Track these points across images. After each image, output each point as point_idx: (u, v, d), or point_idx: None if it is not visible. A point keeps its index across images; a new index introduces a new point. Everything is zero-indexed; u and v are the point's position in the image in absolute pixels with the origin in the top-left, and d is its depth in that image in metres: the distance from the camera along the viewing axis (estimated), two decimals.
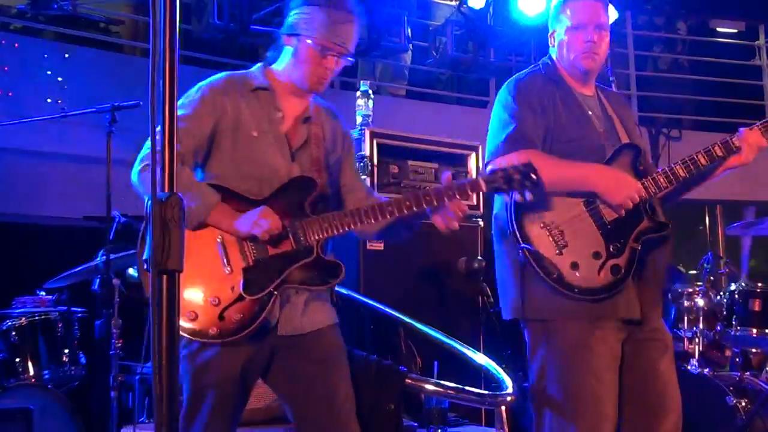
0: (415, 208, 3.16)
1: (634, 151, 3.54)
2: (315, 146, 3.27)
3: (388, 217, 3.17)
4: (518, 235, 3.44)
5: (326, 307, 3.28)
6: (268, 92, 3.28)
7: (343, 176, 3.42)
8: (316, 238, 3.12)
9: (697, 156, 3.51)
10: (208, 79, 3.27)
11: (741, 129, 3.58)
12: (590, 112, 3.62)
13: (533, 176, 3.09)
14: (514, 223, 3.45)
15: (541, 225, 3.44)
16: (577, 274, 3.39)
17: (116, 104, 5.03)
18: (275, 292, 3.08)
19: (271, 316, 3.10)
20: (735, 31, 12.98)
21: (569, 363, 3.42)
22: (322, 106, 3.41)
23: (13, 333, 4.85)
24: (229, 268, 3.07)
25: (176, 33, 1.81)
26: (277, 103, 3.28)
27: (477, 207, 5.55)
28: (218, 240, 3.08)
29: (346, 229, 3.14)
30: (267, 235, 3.06)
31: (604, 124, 3.61)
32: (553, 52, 3.68)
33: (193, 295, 3.03)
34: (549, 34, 3.70)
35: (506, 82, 3.64)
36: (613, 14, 3.86)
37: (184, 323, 2.99)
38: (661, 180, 3.48)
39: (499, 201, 3.59)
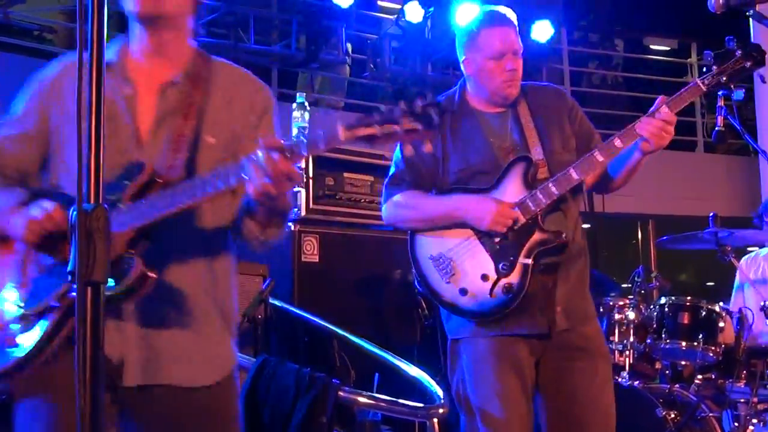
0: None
1: (525, 163, 3.54)
2: (181, 117, 2.55)
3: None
4: (415, 272, 3.63)
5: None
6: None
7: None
8: (127, 225, 2.37)
9: (568, 171, 3.48)
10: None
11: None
12: (491, 133, 3.63)
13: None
14: (410, 256, 3.64)
15: (429, 257, 3.57)
16: (468, 299, 3.50)
17: None
18: (59, 303, 2.42)
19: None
20: (668, 48, 13.24)
21: (474, 376, 3.55)
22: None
23: None
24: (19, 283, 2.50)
25: (104, 41, 1.80)
26: (127, 75, 2.58)
27: None
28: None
29: (171, 211, 2.38)
30: (30, 233, 2.40)
31: (509, 140, 3.62)
32: (469, 80, 3.69)
33: None
34: (462, 60, 3.69)
35: None
36: (547, 30, 3.93)
37: None
38: (540, 196, 3.50)
39: None
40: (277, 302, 4.61)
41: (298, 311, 4.78)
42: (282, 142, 2.28)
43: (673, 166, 10.85)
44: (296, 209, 5.14)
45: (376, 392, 4.52)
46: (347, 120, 2.25)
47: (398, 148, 3.55)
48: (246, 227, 2.51)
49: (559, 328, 3.53)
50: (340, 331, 4.69)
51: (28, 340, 2.38)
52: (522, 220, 3.47)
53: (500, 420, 3.48)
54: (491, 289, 3.46)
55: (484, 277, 3.49)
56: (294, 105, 5.50)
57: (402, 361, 4.46)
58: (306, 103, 5.47)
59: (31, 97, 2.62)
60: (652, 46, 13.25)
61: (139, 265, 2.32)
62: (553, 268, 3.53)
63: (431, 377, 4.26)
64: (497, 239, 3.50)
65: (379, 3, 9.94)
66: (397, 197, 3.65)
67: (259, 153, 2.27)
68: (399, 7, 9.27)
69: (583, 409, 3.54)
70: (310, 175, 5.25)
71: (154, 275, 2.34)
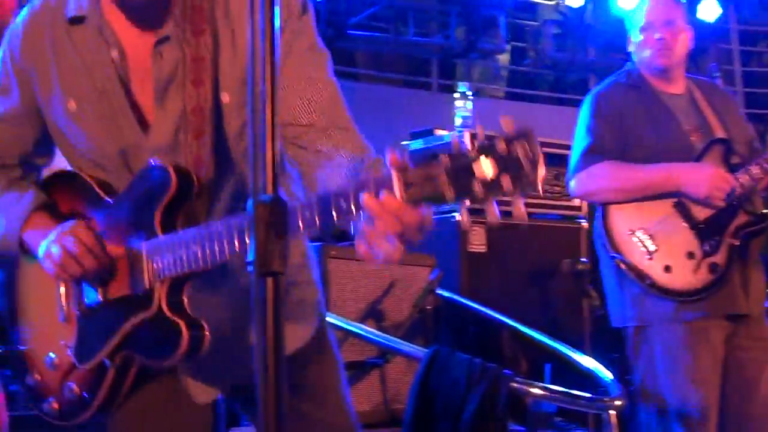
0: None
1: (725, 146, 3.49)
2: (191, 85, 1.96)
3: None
4: (608, 244, 3.51)
5: None
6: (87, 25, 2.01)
7: (285, 107, 1.93)
8: (159, 279, 1.94)
9: None
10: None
11: None
12: (676, 111, 3.61)
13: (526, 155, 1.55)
14: (603, 231, 3.53)
15: (629, 232, 3.47)
16: (671, 277, 3.41)
17: None
18: (108, 362, 2.03)
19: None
20: None
21: (669, 366, 3.42)
22: None
23: None
24: (63, 314, 2.12)
25: (275, 38, 1.80)
26: (109, 33, 1.99)
27: (580, 208, 5.48)
28: None
29: (198, 269, 1.89)
30: (63, 271, 2.00)
31: (694, 121, 3.59)
32: (634, 56, 3.78)
33: (31, 349, 2.19)
34: (628, 38, 3.80)
35: (586, 97, 3.77)
36: (715, 9, 3.97)
37: None
38: (755, 170, 3.42)
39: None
40: (445, 293, 4.59)
41: (466, 302, 4.75)
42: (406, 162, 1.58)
43: None
44: None
45: (550, 383, 4.44)
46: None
47: (588, 114, 3.59)
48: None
49: (754, 312, 3.44)
50: (509, 322, 4.64)
51: (93, 393, 2.08)
52: (739, 190, 3.40)
53: (699, 417, 3.34)
54: (695, 268, 3.37)
55: (690, 255, 3.41)
56: (456, 95, 5.47)
57: (575, 352, 4.37)
58: (468, 93, 5.43)
59: (4, 66, 2.12)
60: None
61: (185, 333, 1.93)
62: (747, 250, 3.42)
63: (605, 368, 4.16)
64: (702, 217, 3.43)
65: None
66: (594, 167, 3.56)
67: (365, 199, 1.61)
68: None
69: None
70: None
71: (207, 333, 1.94)
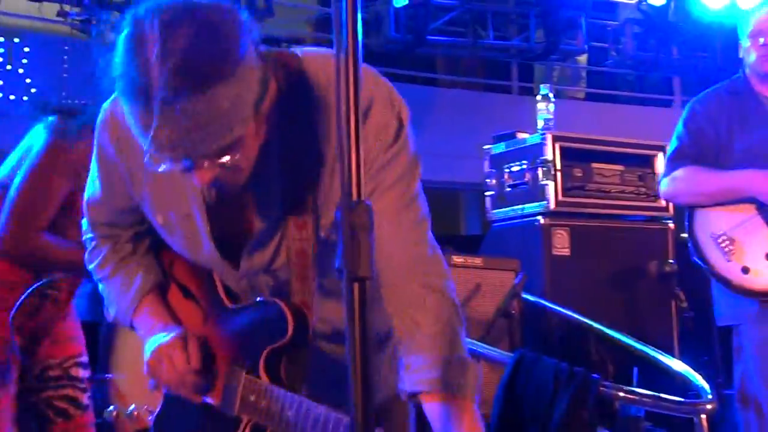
0: None
1: None
2: (294, 227, 1.95)
3: None
4: (692, 247, 3.69)
5: None
6: None
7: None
8: (247, 416, 1.97)
9: None
10: None
11: None
12: None
13: None
14: (688, 234, 3.71)
15: (710, 235, 3.60)
16: (749, 278, 3.50)
17: None
18: None
19: None
20: None
21: (760, 368, 3.48)
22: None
23: None
24: (153, 385, 2.15)
25: (359, 47, 1.82)
26: None
27: (666, 208, 5.40)
28: None
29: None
30: (164, 383, 2.06)
31: None
32: (744, 62, 3.85)
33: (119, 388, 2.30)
34: (738, 44, 3.88)
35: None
36: None
37: None
38: None
39: None
40: (530, 297, 4.56)
41: (551, 305, 4.71)
42: None
43: None
44: (545, 202, 5.08)
45: (637, 387, 4.38)
46: None
47: (681, 120, 3.71)
48: None
49: None
50: (596, 325, 4.59)
51: None
52: None
53: None
54: None
55: None
56: (538, 97, 5.44)
57: (664, 355, 4.30)
58: (550, 95, 5.40)
59: (103, 176, 2.12)
60: None
61: None
62: None
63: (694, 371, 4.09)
64: None
65: None
66: (678, 172, 3.74)
67: None
68: None
69: None
70: (558, 167, 5.16)
71: None
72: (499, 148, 5.44)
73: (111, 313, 2.22)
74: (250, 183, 1.87)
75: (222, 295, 2.08)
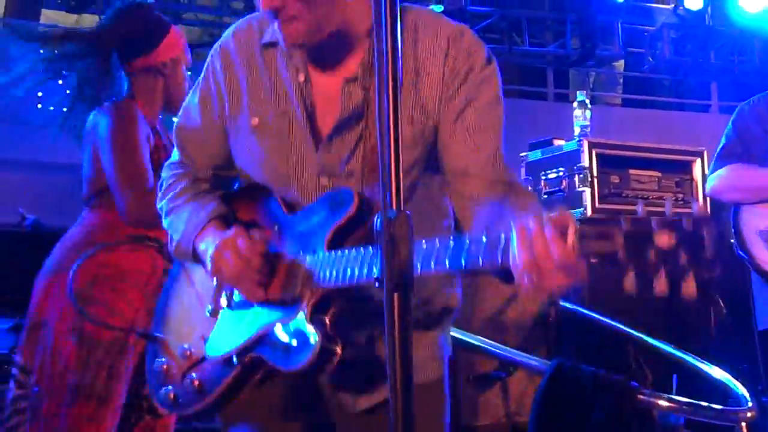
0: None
1: None
2: (371, 124, 2.08)
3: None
4: (737, 243, 3.76)
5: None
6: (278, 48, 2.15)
7: (447, 152, 2.10)
8: (311, 288, 2.01)
9: None
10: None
11: None
12: None
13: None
14: (733, 230, 3.78)
15: (756, 232, 3.68)
16: None
17: None
18: (235, 359, 2.10)
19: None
20: None
21: None
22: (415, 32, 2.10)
23: None
24: (210, 307, 2.21)
25: (398, 57, 1.83)
26: (298, 59, 2.12)
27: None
28: None
29: (361, 282, 1.92)
30: (227, 278, 2.10)
31: None
32: None
33: (168, 338, 2.30)
34: None
35: None
36: None
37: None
38: None
39: None
40: (567, 304, 4.55)
41: (589, 312, 4.69)
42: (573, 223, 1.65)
43: None
44: (582, 209, 5.07)
45: (676, 395, 4.35)
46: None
47: (730, 120, 3.78)
48: None
49: None
50: (634, 332, 4.57)
51: (211, 387, 2.15)
52: None
53: None
54: None
55: None
56: (574, 104, 5.43)
57: (702, 362, 4.27)
58: (587, 101, 5.39)
59: (206, 80, 2.26)
60: None
61: (317, 345, 1.96)
62: None
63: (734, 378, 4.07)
64: None
65: None
66: (724, 170, 3.85)
67: (530, 224, 1.68)
68: None
69: None
70: (595, 174, 5.15)
71: (339, 351, 1.99)
72: (536, 155, 5.43)
73: (174, 240, 2.25)
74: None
75: (284, 208, 2.14)
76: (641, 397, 3.63)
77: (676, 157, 5.48)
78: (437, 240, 1.84)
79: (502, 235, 1.73)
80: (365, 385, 2.17)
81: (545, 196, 5.32)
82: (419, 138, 2.09)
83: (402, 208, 1.78)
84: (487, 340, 4.22)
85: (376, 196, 1.92)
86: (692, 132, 7.68)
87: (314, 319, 2.00)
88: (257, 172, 2.19)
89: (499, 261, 1.75)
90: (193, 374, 2.17)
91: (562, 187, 5.21)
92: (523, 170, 5.47)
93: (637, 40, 9.32)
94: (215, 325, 2.17)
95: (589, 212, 5.08)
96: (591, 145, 5.19)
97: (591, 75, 9.58)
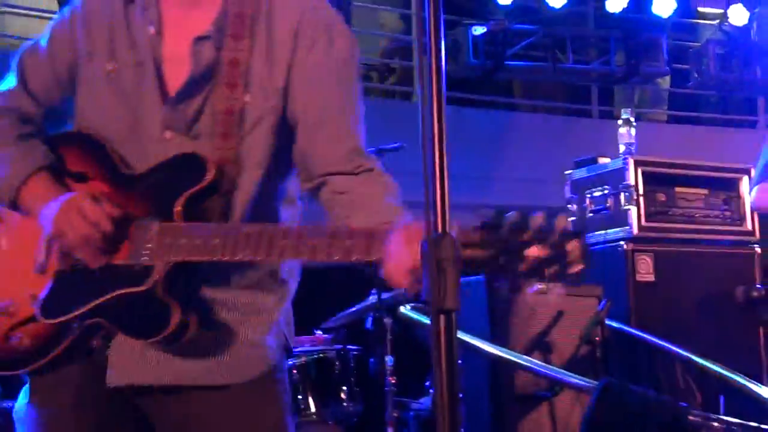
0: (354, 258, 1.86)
1: None
2: (225, 87, 2.05)
3: (299, 256, 1.98)
4: None
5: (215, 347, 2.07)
6: None
7: (300, 130, 2.08)
8: (164, 259, 1.96)
9: None
10: None
11: None
12: None
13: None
14: None
15: None
16: None
17: (380, 147, 5.18)
18: (75, 324, 2.01)
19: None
20: None
21: None
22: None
23: (295, 371, 5.06)
24: (40, 266, 2.07)
25: (443, 76, 1.84)
26: (152, 12, 2.11)
27: (752, 233, 5.31)
28: None
29: (212, 258, 1.93)
30: (70, 242, 2.00)
31: None
32: None
33: None
34: None
35: None
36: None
37: None
38: None
39: None
40: (614, 323, 4.51)
41: (636, 332, 4.66)
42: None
43: None
44: (628, 228, 5.04)
45: (724, 415, 4.30)
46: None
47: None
48: None
49: None
50: (682, 352, 4.52)
51: (44, 350, 2.04)
52: None
53: None
54: None
55: None
56: (619, 121, 5.41)
57: (752, 382, 4.22)
58: (632, 119, 5.36)
59: (56, 33, 2.20)
60: None
61: (176, 313, 1.94)
62: None
63: None
64: None
65: (699, 9, 9.57)
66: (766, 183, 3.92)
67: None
68: (721, 11, 8.90)
69: None
70: (640, 192, 5.12)
71: (195, 323, 1.97)
72: (581, 173, 5.41)
73: None
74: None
75: (123, 168, 2.09)
76: (692, 418, 3.59)
77: (723, 175, 5.44)
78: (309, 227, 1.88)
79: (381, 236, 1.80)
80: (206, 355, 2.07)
81: (590, 214, 5.29)
82: (261, 105, 2.08)
83: (447, 230, 1.78)
84: (533, 359, 4.20)
85: (226, 160, 2.00)
86: (739, 148, 7.60)
87: (168, 289, 1.95)
88: (101, 121, 2.12)
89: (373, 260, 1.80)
90: (21, 334, 2.05)
91: (608, 205, 5.19)
92: (567, 188, 5.45)
93: (682, 56, 9.25)
94: (51, 285, 2.04)
95: (635, 231, 5.04)
96: (636, 163, 5.16)
97: (636, 92, 9.51)
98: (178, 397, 2.06)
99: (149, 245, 1.97)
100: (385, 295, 4.97)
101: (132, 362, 2.03)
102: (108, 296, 1.98)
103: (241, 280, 2.08)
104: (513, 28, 7.94)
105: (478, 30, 7.68)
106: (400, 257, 1.79)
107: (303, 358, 5.17)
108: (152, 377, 2.04)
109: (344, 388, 5.19)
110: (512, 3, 7.89)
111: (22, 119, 2.18)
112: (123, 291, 1.97)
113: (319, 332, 5.42)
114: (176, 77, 2.08)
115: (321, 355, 5.22)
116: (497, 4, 7.94)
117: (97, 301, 1.98)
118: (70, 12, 2.19)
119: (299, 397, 5.06)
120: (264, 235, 1.89)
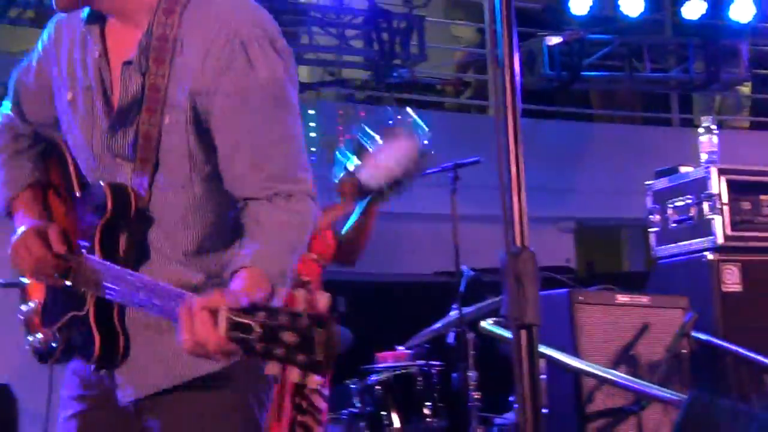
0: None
1: None
2: (146, 112, 2.03)
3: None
4: None
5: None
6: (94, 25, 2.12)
7: (219, 155, 2.06)
8: (87, 289, 2.06)
9: None
10: None
11: None
12: None
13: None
14: None
15: None
16: None
17: (458, 162, 5.17)
18: (58, 336, 2.15)
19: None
20: None
21: None
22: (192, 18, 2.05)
23: (378, 387, 5.07)
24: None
25: (517, 88, 1.83)
26: (95, 34, 2.11)
27: None
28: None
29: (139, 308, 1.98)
30: (25, 271, 2.19)
31: None
32: None
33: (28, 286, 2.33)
34: None
35: None
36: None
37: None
38: None
39: None
40: (701, 335, 4.43)
41: (724, 343, 4.56)
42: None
43: None
44: (712, 237, 4.95)
45: None
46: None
47: None
48: None
49: None
50: None
51: (54, 348, 2.18)
52: None
53: None
54: None
55: None
56: (700, 129, 5.32)
57: None
58: (713, 127, 5.26)
59: (39, 59, 2.26)
60: None
61: (97, 344, 2.04)
62: None
63: None
64: None
65: None
66: None
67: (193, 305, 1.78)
68: None
69: None
70: (725, 201, 5.02)
71: (122, 350, 2.06)
72: (662, 183, 5.33)
73: None
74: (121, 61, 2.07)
75: (75, 185, 2.21)
76: None
77: None
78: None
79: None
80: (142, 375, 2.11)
81: (674, 225, 5.21)
82: (179, 124, 2.09)
83: (526, 245, 1.77)
84: (619, 373, 4.14)
85: (141, 185, 2.04)
86: None
87: (99, 316, 2.04)
88: (73, 141, 2.18)
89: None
90: (40, 333, 2.22)
91: (691, 215, 5.10)
92: (649, 199, 5.38)
93: (763, 61, 9.08)
94: (44, 296, 2.22)
95: (720, 240, 4.95)
96: (720, 172, 5.07)
97: (716, 99, 9.35)
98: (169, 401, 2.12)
99: (84, 277, 2.06)
100: (467, 310, 4.97)
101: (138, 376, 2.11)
102: (67, 316, 2.12)
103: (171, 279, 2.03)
104: (589, 37, 7.88)
105: (554, 40, 7.64)
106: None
107: (386, 375, 5.19)
108: (160, 381, 2.10)
109: (428, 403, 5.18)
110: (588, 13, 7.82)
111: (16, 137, 2.32)
112: (72, 314, 2.10)
113: (401, 348, 5.43)
114: (117, 101, 2.10)
115: (404, 371, 5.23)
116: (572, 14, 7.88)
117: (63, 319, 2.13)
118: (42, 40, 2.24)
119: (383, 413, 5.08)
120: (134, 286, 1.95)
